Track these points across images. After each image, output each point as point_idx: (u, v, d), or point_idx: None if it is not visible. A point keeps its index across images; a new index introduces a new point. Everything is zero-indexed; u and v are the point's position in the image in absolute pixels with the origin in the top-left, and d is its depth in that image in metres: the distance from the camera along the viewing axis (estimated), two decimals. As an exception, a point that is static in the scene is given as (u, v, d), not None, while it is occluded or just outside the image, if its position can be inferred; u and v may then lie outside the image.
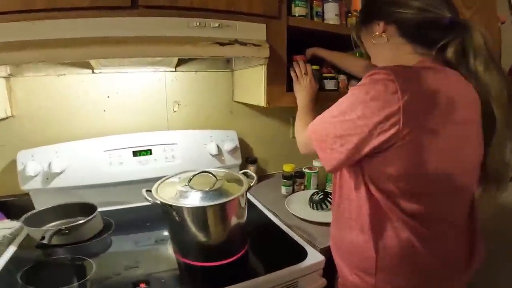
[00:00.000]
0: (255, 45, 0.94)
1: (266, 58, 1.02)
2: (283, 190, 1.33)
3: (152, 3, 0.90)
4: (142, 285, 0.74)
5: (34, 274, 0.80)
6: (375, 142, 0.63)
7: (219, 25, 0.94)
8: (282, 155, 1.61)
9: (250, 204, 1.22)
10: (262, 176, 1.57)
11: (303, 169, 1.38)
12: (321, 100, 1.12)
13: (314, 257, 0.89)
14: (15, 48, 0.79)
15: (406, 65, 0.69)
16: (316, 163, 1.41)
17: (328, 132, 0.71)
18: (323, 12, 1.27)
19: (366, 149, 0.65)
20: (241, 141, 1.46)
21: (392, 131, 0.61)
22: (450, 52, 0.71)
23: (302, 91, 1.10)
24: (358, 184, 0.73)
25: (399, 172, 0.66)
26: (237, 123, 1.49)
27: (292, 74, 1.14)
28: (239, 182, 0.90)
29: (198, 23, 0.92)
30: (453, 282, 0.77)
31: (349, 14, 1.31)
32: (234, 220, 0.85)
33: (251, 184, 0.89)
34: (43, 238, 0.80)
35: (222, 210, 0.82)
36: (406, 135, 0.61)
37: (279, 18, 1.08)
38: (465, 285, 0.81)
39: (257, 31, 1.02)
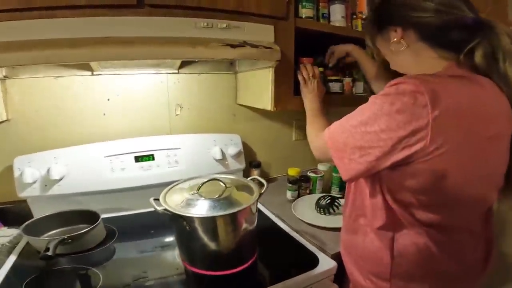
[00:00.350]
0: (266, 47, 0.91)
1: (277, 61, 0.99)
2: (289, 194, 1.30)
3: (159, 2, 0.86)
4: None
5: (38, 286, 0.76)
6: (398, 156, 0.61)
7: (226, 26, 0.92)
8: (285, 158, 1.60)
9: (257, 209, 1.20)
10: (266, 180, 1.54)
11: (308, 173, 1.36)
12: (326, 103, 1.11)
13: (326, 264, 0.88)
14: (14, 49, 0.76)
15: (434, 74, 0.66)
16: (321, 167, 1.40)
17: (347, 142, 0.68)
18: (329, 14, 1.25)
19: (388, 163, 0.63)
20: (244, 144, 1.43)
21: (418, 146, 0.59)
22: (478, 56, 0.67)
23: (310, 94, 1.08)
24: (374, 192, 0.72)
25: (420, 185, 0.64)
26: (240, 126, 1.47)
27: (300, 77, 1.11)
28: (249, 189, 0.87)
29: (205, 24, 0.89)
30: (469, 286, 0.77)
31: (354, 16, 1.30)
32: (244, 229, 0.83)
33: (262, 192, 0.86)
34: (47, 249, 0.76)
35: (232, 220, 0.79)
36: (433, 151, 0.59)
37: (286, 19, 1.06)
38: None
39: (265, 32, 1.00)
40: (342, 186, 1.34)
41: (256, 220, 0.88)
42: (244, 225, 0.82)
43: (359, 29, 1.28)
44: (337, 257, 0.90)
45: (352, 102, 1.23)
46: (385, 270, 0.72)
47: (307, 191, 1.34)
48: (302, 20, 1.12)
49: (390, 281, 0.72)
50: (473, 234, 0.74)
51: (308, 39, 1.17)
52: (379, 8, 0.80)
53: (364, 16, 1.29)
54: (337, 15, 1.25)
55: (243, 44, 0.87)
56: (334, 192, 1.36)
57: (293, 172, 1.33)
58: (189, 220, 0.75)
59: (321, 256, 0.90)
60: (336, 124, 0.74)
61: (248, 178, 0.96)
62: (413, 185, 0.65)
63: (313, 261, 0.88)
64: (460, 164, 0.63)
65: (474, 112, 0.62)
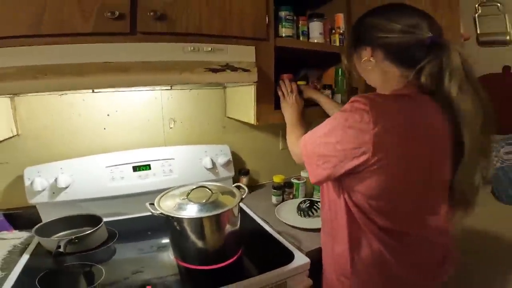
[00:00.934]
0: (244, 70, 1.04)
1: (255, 82, 1.12)
2: (274, 199, 1.43)
3: (150, 29, 0.97)
4: (149, 287, 0.83)
5: (50, 280, 0.88)
6: (349, 165, 0.73)
7: (211, 49, 1.03)
8: (273, 166, 1.72)
9: (243, 212, 1.32)
10: (255, 186, 1.68)
11: (291, 179, 1.49)
12: (308, 115, 1.24)
13: (300, 260, 0.99)
14: (28, 77, 0.84)
15: (384, 94, 0.76)
16: (304, 174, 1.53)
17: (314, 150, 0.80)
18: (308, 31, 1.38)
19: (342, 170, 0.75)
20: (233, 154, 1.57)
21: (363, 158, 0.70)
22: (423, 76, 0.73)
23: (289, 108, 1.20)
24: (339, 197, 0.83)
25: (369, 191, 0.75)
26: (230, 137, 1.60)
27: (279, 92, 1.25)
28: (232, 194, 1.00)
29: (192, 48, 1.00)
30: None
31: (333, 31, 1.43)
32: (228, 228, 0.95)
33: (243, 196, 0.99)
34: (59, 247, 0.88)
35: (217, 220, 0.92)
36: (375, 163, 0.69)
37: (267, 40, 1.18)
38: None
39: (247, 53, 1.11)
40: (322, 191, 1.47)
41: (239, 221, 1.00)
42: (228, 225, 0.95)
43: (337, 43, 1.41)
44: (313, 254, 1.02)
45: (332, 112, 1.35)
46: (346, 270, 0.82)
47: (291, 196, 1.46)
48: (282, 39, 1.24)
49: (350, 280, 0.82)
50: (427, 241, 0.82)
51: (291, 54, 1.30)
52: (354, 28, 0.87)
53: (341, 31, 1.42)
54: (315, 32, 1.38)
55: (224, 69, 0.99)
56: (316, 197, 1.48)
57: (277, 179, 1.46)
58: (179, 221, 0.88)
59: (296, 253, 1.02)
60: (308, 134, 0.86)
61: (233, 185, 1.09)
62: (364, 191, 0.76)
63: (289, 257, 0.99)
64: (399, 176, 0.74)
65: (414, 128, 0.72)
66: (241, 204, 1.35)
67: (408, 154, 0.72)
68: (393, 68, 0.79)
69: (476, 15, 1.47)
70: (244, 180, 1.56)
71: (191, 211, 0.90)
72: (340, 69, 1.47)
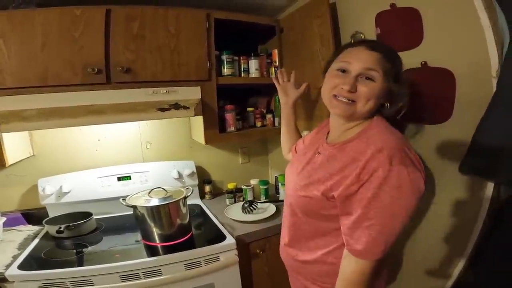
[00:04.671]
0: (185, 107, 1.45)
1: (193, 116, 1.53)
2: (227, 201, 1.85)
3: (120, 80, 1.37)
4: (117, 255, 1.25)
5: (51, 252, 1.31)
6: None
7: (167, 91, 1.41)
8: (234, 177, 2.12)
9: (202, 211, 1.75)
10: (219, 193, 2.08)
11: (242, 186, 1.90)
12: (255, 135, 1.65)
13: (230, 240, 1.39)
14: (43, 118, 1.27)
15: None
16: (252, 181, 1.94)
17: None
18: (248, 68, 1.73)
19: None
20: (200, 167, 2.00)
21: None
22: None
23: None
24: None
25: None
26: (196, 154, 2.03)
27: None
28: (181, 192, 1.42)
29: (152, 91, 1.38)
30: None
31: (270, 64, 1.79)
32: (178, 215, 1.37)
33: (188, 194, 1.41)
34: (60, 227, 1.32)
35: (168, 208, 1.33)
36: None
37: (210, 80, 1.57)
38: None
39: (194, 92, 1.48)
40: (267, 195, 1.89)
41: (187, 210, 1.41)
42: (177, 213, 1.36)
43: (272, 75, 1.78)
44: (240, 238, 1.42)
45: (273, 132, 1.81)
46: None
47: (241, 199, 1.88)
48: (223, 77, 1.63)
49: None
50: None
51: (244, 86, 1.75)
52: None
53: (276, 64, 1.77)
54: (253, 68, 1.73)
55: (170, 108, 1.40)
56: (262, 199, 1.88)
57: (230, 185, 1.89)
58: (141, 209, 1.31)
59: (228, 236, 1.42)
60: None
61: (185, 187, 1.50)
62: None
63: (223, 238, 1.40)
64: None
65: None
66: (201, 204, 1.84)
67: None
68: None
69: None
70: (207, 187, 1.98)
71: (150, 202, 1.32)
72: (276, 97, 1.85)
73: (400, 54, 0.87)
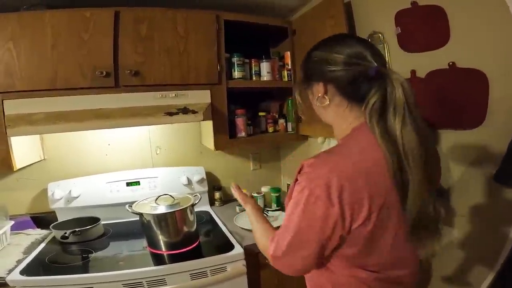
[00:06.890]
0: (193, 112, 1.41)
1: (202, 120, 1.47)
2: (237, 209, 1.79)
3: (129, 83, 1.35)
4: (121, 263, 1.21)
5: (56, 258, 1.28)
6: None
7: (175, 95, 1.41)
8: (245, 184, 2.06)
9: (211, 218, 1.70)
10: (229, 200, 2.02)
11: (252, 193, 1.84)
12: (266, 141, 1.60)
13: (238, 250, 1.33)
14: (51, 122, 1.25)
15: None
16: (263, 189, 1.88)
17: None
18: (259, 71, 1.66)
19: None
20: (210, 174, 1.96)
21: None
22: (368, 110, 0.68)
23: (249, 210, 1.06)
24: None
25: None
26: (206, 160, 1.99)
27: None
28: (189, 200, 1.37)
29: (161, 95, 1.38)
30: None
31: (283, 67, 1.74)
32: (184, 223, 1.32)
33: (196, 202, 1.36)
34: (65, 234, 1.30)
35: (175, 216, 1.29)
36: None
37: (220, 84, 1.53)
38: None
39: (203, 95, 1.48)
40: (279, 203, 1.82)
41: (194, 218, 1.37)
42: (184, 220, 1.31)
43: (285, 78, 1.73)
44: (248, 248, 1.35)
45: (285, 137, 1.76)
46: None
47: (251, 207, 1.81)
48: (234, 81, 1.58)
49: None
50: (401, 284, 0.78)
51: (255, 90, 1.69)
52: (304, 65, 0.80)
53: (289, 67, 1.71)
54: (264, 71, 1.67)
55: (178, 112, 1.37)
56: (273, 208, 1.82)
57: (241, 193, 1.82)
58: (147, 216, 1.27)
59: (236, 246, 1.36)
60: None
61: (194, 194, 1.46)
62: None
63: (231, 248, 1.34)
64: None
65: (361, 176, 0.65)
66: (211, 211, 1.79)
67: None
68: (346, 103, 0.74)
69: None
70: (217, 194, 1.93)
71: (157, 210, 1.28)
72: (290, 101, 1.81)
73: (425, 54, 0.80)
